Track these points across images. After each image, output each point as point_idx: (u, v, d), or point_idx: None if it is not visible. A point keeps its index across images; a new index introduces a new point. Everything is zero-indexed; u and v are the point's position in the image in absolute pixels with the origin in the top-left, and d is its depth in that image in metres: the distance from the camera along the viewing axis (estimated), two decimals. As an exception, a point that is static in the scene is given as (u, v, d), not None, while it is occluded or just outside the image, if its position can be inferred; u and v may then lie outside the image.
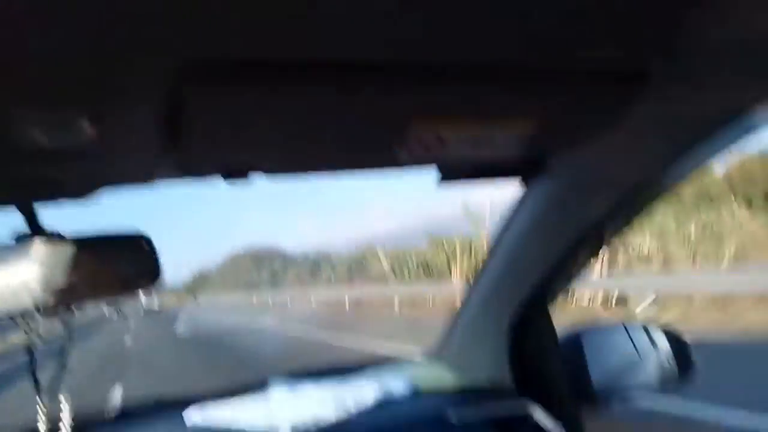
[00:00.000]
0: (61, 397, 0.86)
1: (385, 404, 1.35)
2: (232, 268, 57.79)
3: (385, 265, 21.54)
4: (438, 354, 1.60)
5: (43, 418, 0.85)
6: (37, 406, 0.84)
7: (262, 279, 49.37)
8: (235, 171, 0.72)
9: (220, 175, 0.73)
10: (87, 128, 0.55)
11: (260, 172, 0.75)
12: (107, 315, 43.50)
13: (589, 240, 1.15)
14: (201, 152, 0.67)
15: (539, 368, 1.38)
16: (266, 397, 1.43)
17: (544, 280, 1.26)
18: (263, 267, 51.52)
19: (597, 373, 1.38)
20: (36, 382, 0.82)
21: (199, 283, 60.99)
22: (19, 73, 0.46)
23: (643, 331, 1.51)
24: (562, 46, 0.57)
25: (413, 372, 1.51)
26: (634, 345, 1.54)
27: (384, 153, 0.72)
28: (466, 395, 1.41)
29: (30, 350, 0.81)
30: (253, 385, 1.55)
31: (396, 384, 1.43)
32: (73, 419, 0.88)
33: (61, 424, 0.86)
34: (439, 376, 1.49)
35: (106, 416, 1.38)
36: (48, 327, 0.83)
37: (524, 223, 1.21)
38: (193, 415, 1.33)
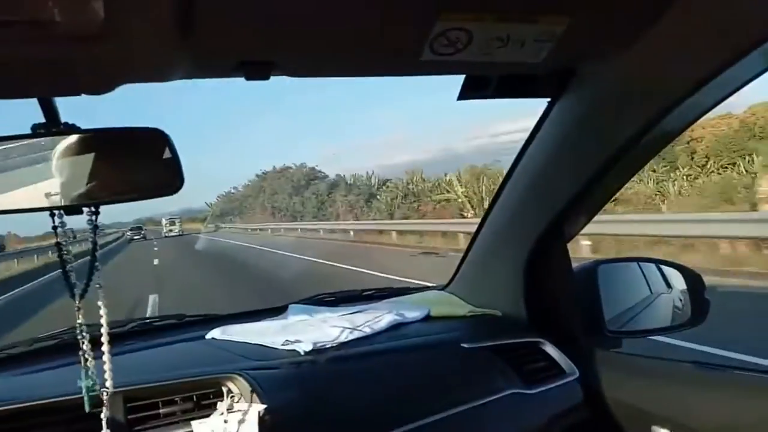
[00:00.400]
0: (100, 303, 0.88)
1: (399, 329, 1.38)
2: (262, 190, 52.84)
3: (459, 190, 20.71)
4: (453, 285, 1.62)
5: (81, 320, 0.86)
6: (75, 310, 0.86)
7: (303, 206, 43.03)
8: (254, 67, 0.72)
9: (239, 72, 0.73)
10: (98, 7, 0.54)
11: (280, 70, 0.74)
12: (130, 237, 47.58)
13: (617, 166, 1.10)
14: (217, 42, 0.66)
15: (553, 303, 1.39)
16: (285, 320, 1.48)
17: (564, 211, 1.24)
18: (300, 190, 44.98)
19: (610, 308, 1.39)
20: (68, 282, 0.83)
21: (226, 207, 60.52)
22: None
23: (656, 267, 1.51)
24: None
25: (428, 301, 1.54)
26: (647, 282, 1.54)
27: (409, 52, 0.71)
28: (478, 324, 1.43)
29: (59, 248, 0.82)
30: (273, 309, 1.60)
31: (410, 311, 1.46)
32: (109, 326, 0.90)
33: (102, 330, 0.88)
34: (454, 306, 1.52)
35: (137, 328, 1.44)
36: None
37: (546, 147, 1.17)
38: (214, 332, 1.39)
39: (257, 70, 0.73)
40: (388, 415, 1.07)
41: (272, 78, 0.77)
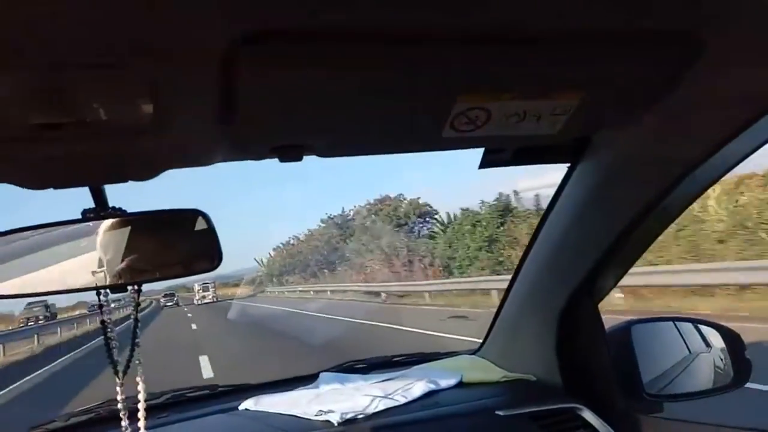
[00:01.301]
0: (138, 378, 0.91)
1: (432, 397, 1.37)
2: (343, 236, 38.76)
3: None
4: (485, 349, 1.60)
5: (121, 396, 0.89)
6: (116, 386, 0.89)
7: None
8: (286, 150, 0.77)
9: (274, 155, 0.78)
10: (147, 104, 0.60)
11: (311, 151, 0.79)
12: (163, 304, 46.45)
13: (640, 226, 1.11)
14: (254, 130, 0.71)
15: (587, 365, 1.36)
16: (317, 389, 1.48)
17: (592, 271, 1.24)
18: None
19: (647, 370, 1.35)
20: (112, 359, 0.87)
21: (285, 263, 48.51)
22: (85, 48, 0.49)
23: (693, 326, 1.47)
24: (614, 9, 0.57)
25: (460, 366, 1.52)
26: (685, 342, 1.50)
27: (431, 131, 0.75)
28: (513, 390, 1.41)
29: (104, 326, 0.87)
30: (304, 377, 1.60)
31: (443, 378, 1.45)
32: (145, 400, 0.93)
33: (139, 405, 0.91)
34: (486, 371, 1.50)
35: (171, 400, 1.45)
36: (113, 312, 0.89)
37: (570, 210, 1.19)
38: (248, 403, 1.39)
39: (289, 153, 0.78)
40: None
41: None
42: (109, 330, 0.83)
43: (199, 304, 41.73)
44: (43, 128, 0.61)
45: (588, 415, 1.29)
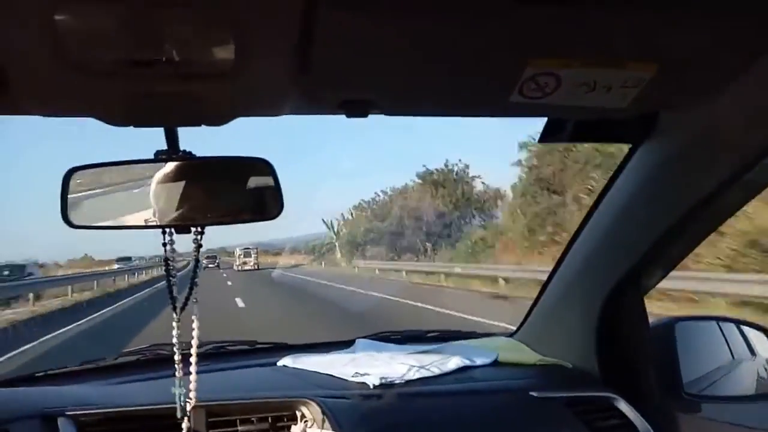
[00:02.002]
0: (193, 316, 0.95)
1: (466, 372, 1.38)
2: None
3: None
4: (522, 333, 1.60)
5: (176, 331, 0.93)
6: (173, 322, 0.93)
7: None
8: (355, 105, 0.79)
9: (342, 110, 0.80)
10: (229, 47, 0.62)
11: (378, 108, 0.81)
12: (205, 265, 45.10)
13: (698, 217, 1.08)
14: (326, 82, 0.73)
15: (627, 357, 1.35)
16: (353, 354, 1.51)
17: (642, 262, 1.22)
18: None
19: (687, 369, 1.33)
20: (172, 297, 0.91)
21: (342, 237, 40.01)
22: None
23: (736, 327, 1.44)
24: None
25: (495, 347, 1.53)
26: (728, 344, 1.47)
27: (499, 94, 0.76)
28: (548, 374, 1.41)
29: (167, 265, 0.91)
30: (340, 342, 1.64)
31: (477, 355, 1.46)
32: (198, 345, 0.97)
33: (192, 342, 0.95)
34: (522, 354, 1.50)
35: (211, 350, 1.51)
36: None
37: (626, 194, 1.16)
38: (286, 360, 1.44)
39: (357, 108, 0.79)
40: None
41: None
42: (171, 268, 0.87)
43: (238, 270, 38.41)
44: (133, 65, 0.64)
45: (623, 406, 1.28)
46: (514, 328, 1.66)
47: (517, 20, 0.62)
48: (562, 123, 1.01)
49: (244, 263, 40.56)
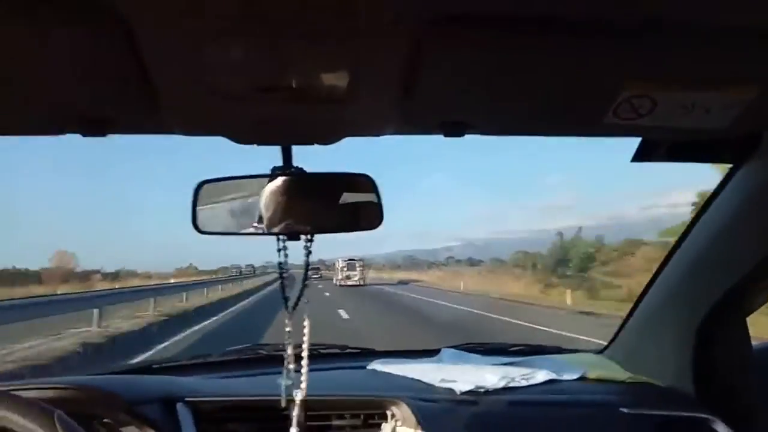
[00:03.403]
0: (305, 316, 1.03)
1: (553, 385, 1.38)
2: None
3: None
4: (611, 350, 1.58)
5: (289, 329, 1.01)
6: (286, 320, 1.01)
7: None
8: (453, 126, 0.84)
9: (440, 131, 0.86)
10: (344, 73, 0.69)
11: (474, 129, 0.86)
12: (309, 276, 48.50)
13: None
14: (428, 105, 0.79)
15: (727, 378, 1.29)
16: (440, 362, 1.56)
17: (743, 281, 1.18)
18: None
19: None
20: (284, 296, 1.00)
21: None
22: (302, 21, 0.59)
23: None
24: None
25: (583, 362, 1.51)
26: None
27: (593, 115, 0.78)
28: (639, 391, 1.38)
29: (281, 268, 1.00)
30: (427, 351, 1.69)
31: (565, 370, 1.45)
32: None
33: (303, 339, 1.03)
34: (611, 370, 1.47)
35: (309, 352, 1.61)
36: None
37: (726, 213, 1.14)
38: (375, 364, 1.51)
39: (454, 129, 0.85)
40: None
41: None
42: (284, 272, 0.97)
43: (339, 286, 33.17)
44: (261, 90, 0.73)
45: (721, 429, 1.23)
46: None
47: (613, 44, 0.64)
48: (658, 142, 1.01)
49: (347, 277, 35.00)
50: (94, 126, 0.80)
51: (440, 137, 0.88)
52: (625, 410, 1.23)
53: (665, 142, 0.99)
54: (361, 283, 34.25)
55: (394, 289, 31.85)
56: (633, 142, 1.02)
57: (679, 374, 1.34)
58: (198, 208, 0.94)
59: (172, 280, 32.27)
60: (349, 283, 33.75)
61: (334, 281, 36.32)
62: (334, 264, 42.41)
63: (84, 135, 0.81)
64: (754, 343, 1.30)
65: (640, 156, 1.03)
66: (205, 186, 0.95)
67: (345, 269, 35.44)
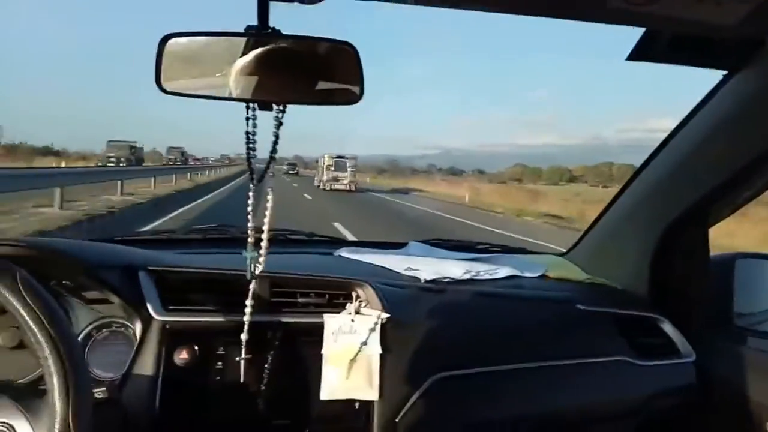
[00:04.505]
0: (268, 189, 0.97)
1: (514, 280, 1.42)
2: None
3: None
4: (573, 253, 1.62)
5: (251, 201, 0.96)
6: (249, 192, 0.96)
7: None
8: None
9: None
10: None
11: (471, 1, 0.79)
12: (285, 170, 48.47)
13: None
14: None
15: (680, 286, 1.35)
16: (406, 253, 1.57)
17: (713, 193, 1.19)
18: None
19: (741, 304, 1.33)
20: (250, 168, 0.94)
21: None
22: None
23: None
24: None
25: (545, 263, 1.55)
26: None
27: None
28: (595, 291, 1.43)
29: (248, 138, 0.94)
30: (395, 243, 1.70)
31: (527, 268, 1.49)
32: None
33: (266, 213, 0.98)
34: (571, 271, 1.52)
35: (276, 237, 1.59)
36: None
37: (710, 123, 1.12)
38: (342, 251, 1.51)
39: None
40: (498, 351, 1.13)
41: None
42: (251, 142, 0.91)
43: (324, 189, 26.91)
44: None
45: (668, 328, 1.30)
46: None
47: None
48: (657, 40, 0.96)
49: (335, 179, 27.60)
50: None
51: (432, 15, 0.81)
52: (581, 307, 1.27)
53: (665, 39, 0.94)
54: (352, 188, 27.61)
55: (395, 198, 26.48)
56: (624, 49, 0.97)
57: (637, 279, 1.39)
58: (163, 65, 0.86)
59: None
60: (337, 186, 27.34)
61: (316, 182, 30.02)
62: (317, 161, 34.05)
63: None
64: (712, 254, 1.34)
65: (636, 53, 0.98)
66: (171, 41, 0.86)
67: (332, 168, 28.03)
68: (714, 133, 1.13)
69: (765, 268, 1.42)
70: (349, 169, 28.15)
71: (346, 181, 27.73)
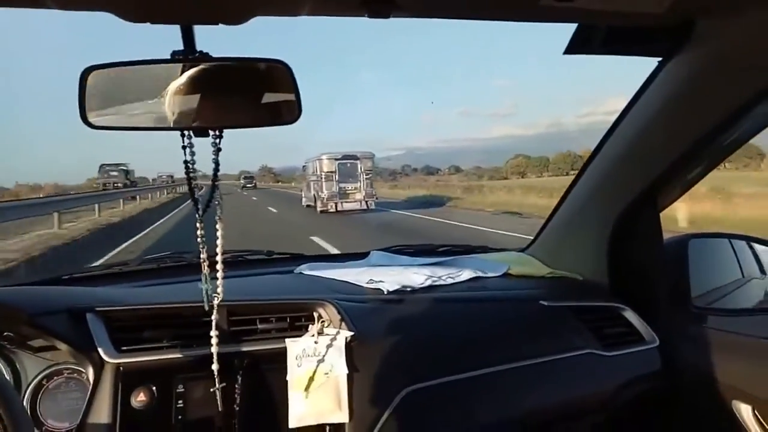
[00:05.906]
0: (217, 218, 0.94)
1: (478, 282, 1.41)
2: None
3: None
4: (534, 248, 1.63)
5: (201, 232, 0.92)
6: (197, 223, 0.92)
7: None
8: (376, 5, 0.75)
9: (363, 10, 0.77)
10: None
11: (401, 9, 0.77)
12: (243, 185, 49.65)
13: (723, 135, 1.07)
14: None
15: (639, 270, 1.37)
16: (368, 264, 1.55)
17: (661, 179, 1.21)
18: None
19: (697, 284, 1.36)
20: (194, 199, 0.90)
21: None
22: None
23: (748, 246, 1.45)
24: None
25: (506, 260, 1.55)
26: (739, 261, 1.49)
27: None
28: (558, 285, 1.44)
29: (187, 167, 0.90)
30: (356, 254, 1.67)
31: (489, 267, 1.49)
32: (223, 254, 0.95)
33: (218, 242, 0.94)
34: (533, 267, 1.53)
35: (229, 259, 1.55)
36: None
37: (650, 111, 1.14)
38: (303, 268, 1.48)
39: (379, 8, 0.76)
40: (466, 357, 1.12)
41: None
42: (191, 172, 0.88)
43: (320, 212, 17.06)
44: None
45: (630, 315, 1.32)
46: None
47: None
48: (591, 32, 0.97)
49: (342, 193, 17.27)
50: None
51: (363, 22, 0.79)
52: (545, 303, 1.28)
53: (599, 31, 0.95)
54: (370, 205, 17.65)
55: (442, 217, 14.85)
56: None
57: (596, 268, 1.41)
58: (87, 99, 0.81)
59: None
60: (347, 205, 17.37)
61: (306, 201, 19.99)
62: (304, 168, 21.15)
63: None
64: (665, 236, 1.37)
65: (572, 46, 0.99)
66: (94, 73, 0.81)
67: (335, 177, 17.28)
68: (656, 118, 1.15)
69: (716, 246, 1.46)
70: (362, 176, 17.55)
71: (359, 196, 17.47)
